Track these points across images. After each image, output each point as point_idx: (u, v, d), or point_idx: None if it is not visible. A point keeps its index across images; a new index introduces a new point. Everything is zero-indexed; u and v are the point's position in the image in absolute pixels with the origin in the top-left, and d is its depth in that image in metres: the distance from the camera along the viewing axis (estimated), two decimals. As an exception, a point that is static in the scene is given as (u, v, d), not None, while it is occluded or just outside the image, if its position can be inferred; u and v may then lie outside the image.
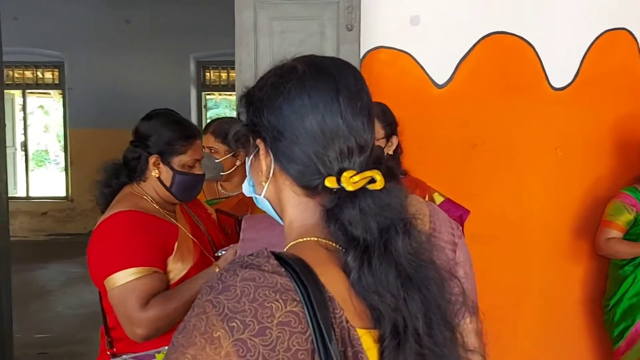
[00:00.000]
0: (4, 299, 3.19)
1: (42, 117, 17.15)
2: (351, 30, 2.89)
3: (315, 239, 0.86)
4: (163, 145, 1.89)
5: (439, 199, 2.37)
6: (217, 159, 2.61)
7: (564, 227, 3.08)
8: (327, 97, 0.88)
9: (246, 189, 0.98)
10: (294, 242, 0.88)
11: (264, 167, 0.92)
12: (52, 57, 9.03)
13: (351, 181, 0.84)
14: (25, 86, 9.42)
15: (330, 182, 0.85)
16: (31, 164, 14.83)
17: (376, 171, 0.87)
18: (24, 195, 9.62)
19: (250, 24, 2.93)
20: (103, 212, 1.88)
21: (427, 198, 2.24)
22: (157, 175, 1.90)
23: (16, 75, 9.32)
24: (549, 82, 3.06)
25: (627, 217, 2.83)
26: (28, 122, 10.13)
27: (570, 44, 3.05)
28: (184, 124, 1.95)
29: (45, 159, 17.84)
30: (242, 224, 1.47)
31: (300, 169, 0.88)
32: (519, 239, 3.09)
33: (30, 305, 5.98)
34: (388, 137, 2.24)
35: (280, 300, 0.74)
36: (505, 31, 3.02)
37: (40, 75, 9.38)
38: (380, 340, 0.81)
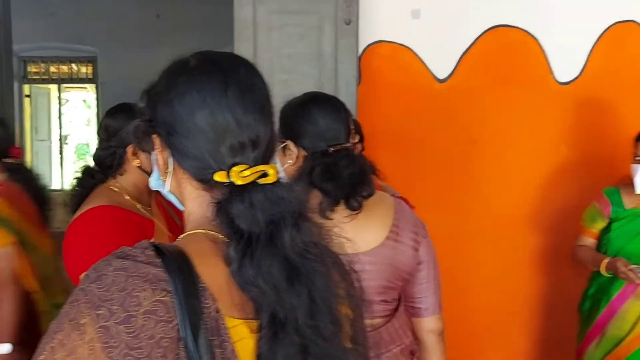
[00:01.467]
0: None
1: (84, 111, 17.59)
2: (349, 24, 2.87)
3: (204, 231, 0.87)
4: None
5: None
6: None
7: (567, 226, 3.00)
8: (215, 92, 0.88)
9: (152, 183, 1.00)
10: (184, 235, 0.90)
11: (161, 162, 0.94)
12: (86, 52, 9.25)
13: (240, 175, 0.85)
14: (60, 81, 9.67)
15: (219, 177, 0.86)
16: (73, 157, 15.27)
17: (269, 165, 0.87)
18: (59, 187, 9.88)
19: (250, 19, 2.95)
20: (74, 212, 1.86)
21: None
22: (139, 165, 1.89)
23: (52, 70, 9.58)
24: (554, 77, 2.98)
25: (600, 224, 2.64)
26: (63, 116, 10.40)
27: (577, 37, 2.96)
28: None
29: (87, 152, 18.31)
30: None
31: (194, 164, 0.89)
32: (519, 236, 3.03)
33: (56, 295, 6.14)
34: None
35: (149, 290, 0.76)
36: (508, 24, 2.95)
37: (75, 69, 9.62)
38: (258, 331, 0.82)
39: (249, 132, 0.89)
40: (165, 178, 0.94)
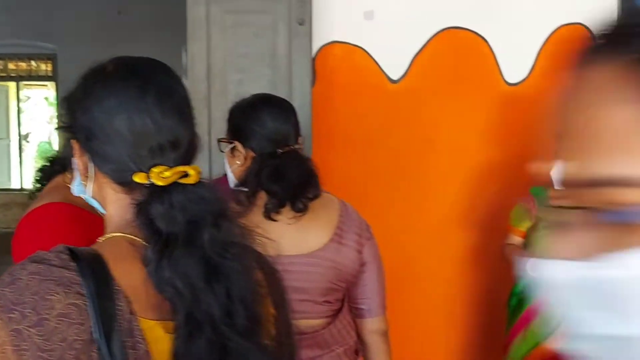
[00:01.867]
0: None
1: (46, 109, 17.27)
2: (302, 24, 2.89)
3: (121, 234, 0.89)
4: None
5: None
6: None
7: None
8: (133, 97, 0.90)
9: (74, 188, 1.01)
10: (103, 238, 0.91)
11: (82, 167, 0.95)
12: (46, 49, 9.08)
13: (160, 176, 0.87)
14: (19, 78, 9.48)
15: (139, 178, 0.88)
16: (36, 156, 14.98)
17: (190, 166, 0.89)
18: (18, 187, 9.70)
19: (203, 18, 2.93)
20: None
21: None
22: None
23: (11, 67, 9.39)
24: (503, 78, 3.04)
25: (527, 223, 2.68)
26: (23, 114, 10.21)
27: (525, 39, 3.02)
28: None
29: (49, 150, 17.96)
30: None
31: (114, 167, 0.91)
32: (472, 237, 3.08)
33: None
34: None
35: (62, 293, 0.77)
36: (459, 26, 3.00)
37: (35, 66, 9.45)
38: (174, 331, 0.83)
39: (168, 135, 0.90)
40: (87, 183, 0.95)
